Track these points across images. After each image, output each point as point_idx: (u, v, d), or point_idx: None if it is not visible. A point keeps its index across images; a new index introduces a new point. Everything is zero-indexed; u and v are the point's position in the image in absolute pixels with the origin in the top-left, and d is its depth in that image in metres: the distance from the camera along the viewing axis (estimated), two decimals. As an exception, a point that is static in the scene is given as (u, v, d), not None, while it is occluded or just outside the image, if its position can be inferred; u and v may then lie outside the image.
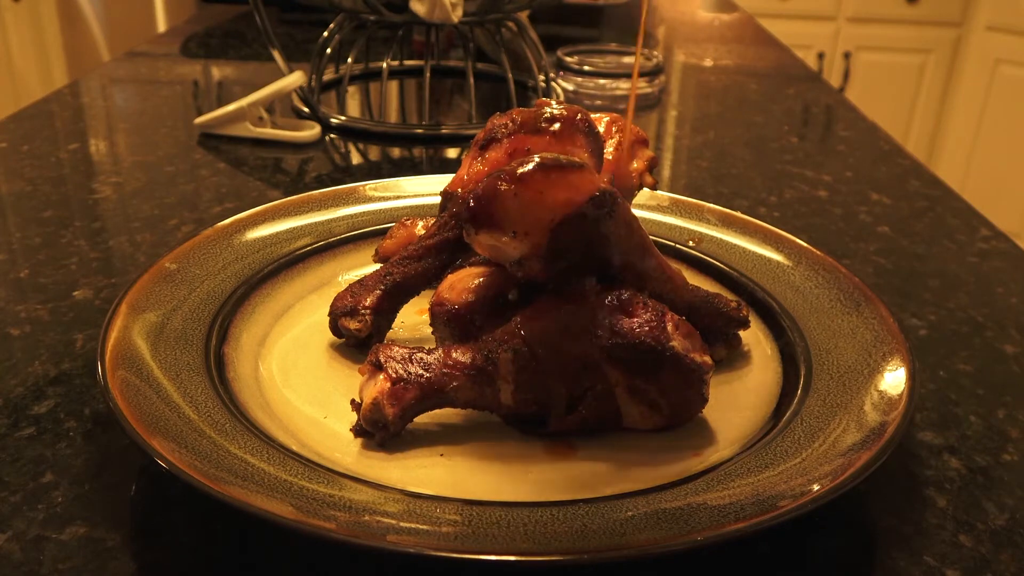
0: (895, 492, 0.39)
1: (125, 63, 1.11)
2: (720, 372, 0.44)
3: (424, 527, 0.32)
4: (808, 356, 0.43)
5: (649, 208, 0.58)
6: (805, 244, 0.52)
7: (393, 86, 1.02)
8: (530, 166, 0.38)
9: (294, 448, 0.37)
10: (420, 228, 0.50)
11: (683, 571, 0.34)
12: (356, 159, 0.81)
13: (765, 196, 0.72)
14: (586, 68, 1.01)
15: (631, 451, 0.39)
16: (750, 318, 0.46)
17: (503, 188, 0.37)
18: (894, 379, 0.40)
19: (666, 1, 1.64)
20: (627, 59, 1.07)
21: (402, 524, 0.32)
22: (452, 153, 0.81)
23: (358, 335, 0.45)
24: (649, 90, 1.01)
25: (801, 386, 0.41)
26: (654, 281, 0.42)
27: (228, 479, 0.32)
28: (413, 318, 0.48)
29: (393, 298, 0.46)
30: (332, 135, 0.84)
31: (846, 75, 2.44)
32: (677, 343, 0.38)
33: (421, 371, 0.38)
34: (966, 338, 0.52)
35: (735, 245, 0.54)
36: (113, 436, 0.40)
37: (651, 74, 1.01)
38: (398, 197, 0.59)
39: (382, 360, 0.38)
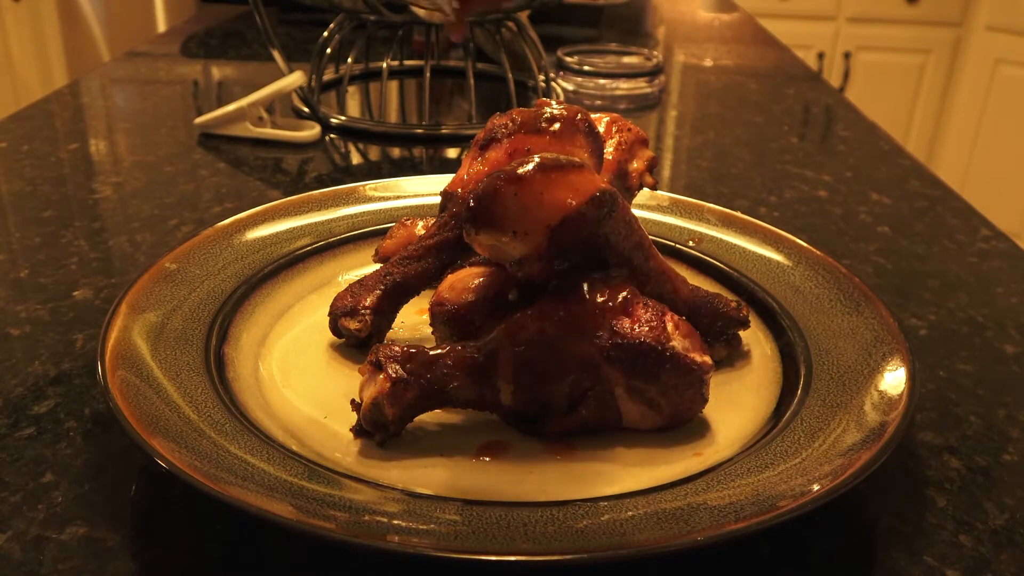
0: (895, 492, 0.39)
1: (125, 63, 1.11)
2: (720, 372, 0.44)
3: (424, 527, 0.32)
4: (808, 356, 0.43)
5: (649, 208, 0.58)
6: (805, 244, 0.52)
7: (393, 86, 1.02)
8: (530, 166, 0.38)
9: (294, 448, 0.37)
10: (420, 228, 0.50)
11: (683, 571, 0.34)
12: (356, 159, 0.81)
13: (765, 196, 0.72)
14: (586, 68, 1.01)
15: (631, 451, 0.39)
16: (750, 318, 0.46)
17: (503, 188, 0.37)
18: (894, 379, 0.40)
19: (666, 1, 1.64)
20: (627, 59, 1.07)
21: (402, 524, 0.32)
22: (452, 153, 0.81)
23: (358, 335, 0.45)
24: (649, 90, 1.01)
25: (801, 386, 0.41)
26: (654, 281, 0.42)
27: (228, 479, 0.32)
28: (413, 318, 0.48)
29: (393, 298, 0.46)
30: (332, 135, 0.84)
31: (846, 75, 2.44)
32: (677, 343, 0.38)
33: (421, 371, 0.38)
34: (966, 338, 0.52)
35: (735, 245, 0.54)
36: (113, 436, 0.40)
37: (651, 74, 1.01)
38: (398, 197, 0.59)
39: (382, 360, 0.38)
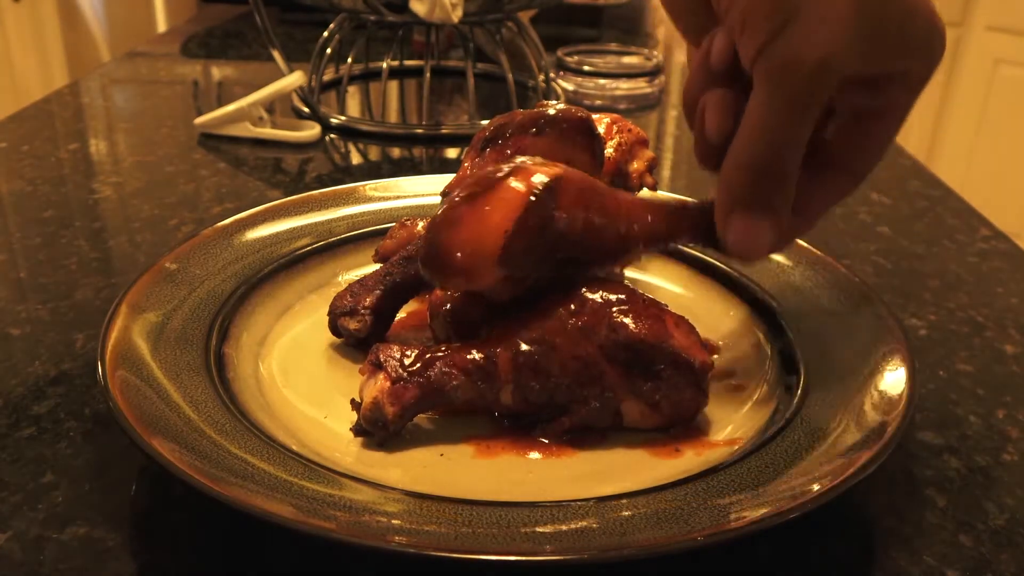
0: (895, 492, 0.39)
1: (125, 63, 1.11)
2: (720, 372, 0.44)
3: (424, 527, 0.32)
4: (808, 356, 0.43)
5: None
6: (805, 244, 0.52)
7: (393, 86, 1.02)
8: (455, 204, 0.37)
9: (294, 448, 0.37)
10: (420, 228, 0.50)
11: (683, 571, 0.34)
12: (356, 159, 0.81)
13: (765, 196, 0.72)
14: (586, 68, 1.01)
15: (631, 451, 0.39)
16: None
17: (438, 238, 0.37)
18: (894, 379, 0.40)
19: (666, 1, 1.64)
20: (627, 59, 1.07)
21: (402, 524, 0.32)
22: (452, 153, 0.81)
23: (358, 335, 0.45)
24: (649, 90, 1.01)
25: (801, 386, 0.41)
26: (638, 236, 0.40)
27: (228, 479, 0.32)
28: (413, 318, 0.48)
29: (393, 298, 0.46)
30: (332, 135, 0.84)
31: (846, 75, 2.43)
32: (677, 342, 0.38)
33: (421, 371, 0.38)
34: (966, 338, 0.52)
35: (735, 245, 0.54)
36: (113, 436, 0.40)
37: (651, 74, 1.01)
38: (398, 197, 0.59)
39: (382, 359, 0.38)
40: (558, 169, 0.38)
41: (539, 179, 0.37)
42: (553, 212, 0.37)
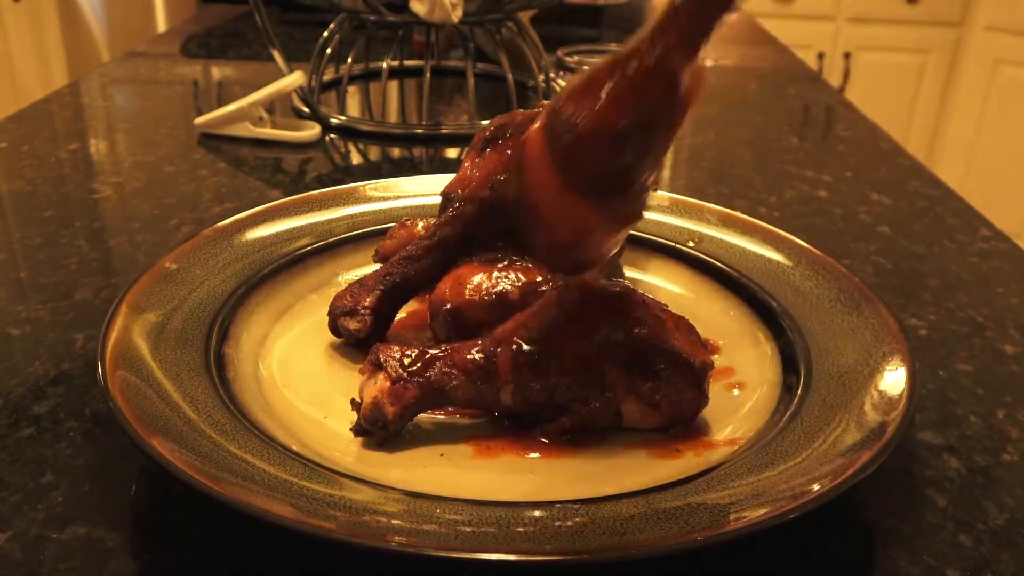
0: (895, 492, 0.39)
1: (125, 63, 1.11)
2: (720, 372, 0.44)
3: (424, 527, 0.32)
4: (808, 356, 0.43)
5: (649, 208, 0.58)
6: (805, 244, 0.52)
7: (393, 86, 1.02)
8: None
9: (294, 448, 0.37)
10: (420, 228, 0.50)
11: (683, 571, 0.34)
12: (356, 159, 0.81)
13: (765, 196, 0.72)
14: (586, 68, 1.01)
15: (631, 451, 0.39)
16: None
17: (536, 240, 0.37)
18: (894, 379, 0.40)
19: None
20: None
21: (402, 524, 0.32)
22: (452, 153, 0.81)
23: (358, 335, 0.45)
24: (649, 90, 1.01)
25: (801, 386, 0.41)
26: (665, 57, 0.36)
27: (228, 479, 0.32)
28: (413, 318, 0.48)
29: (393, 298, 0.46)
30: (332, 135, 0.84)
31: (846, 75, 2.44)
32: (677, 342, 0.38)
33: (421, 370, 0.38)
34: (966, 338, 0.52)
35: (735, 245, 0.54)
36: (113, 436, 0.40)
37: (651, 74, 1.01)
38: (398, 197, 0.59)
39: (382, 359, 0.38)
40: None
41: (529, 120, 0.36)
42: (565, 112, 0.35)
